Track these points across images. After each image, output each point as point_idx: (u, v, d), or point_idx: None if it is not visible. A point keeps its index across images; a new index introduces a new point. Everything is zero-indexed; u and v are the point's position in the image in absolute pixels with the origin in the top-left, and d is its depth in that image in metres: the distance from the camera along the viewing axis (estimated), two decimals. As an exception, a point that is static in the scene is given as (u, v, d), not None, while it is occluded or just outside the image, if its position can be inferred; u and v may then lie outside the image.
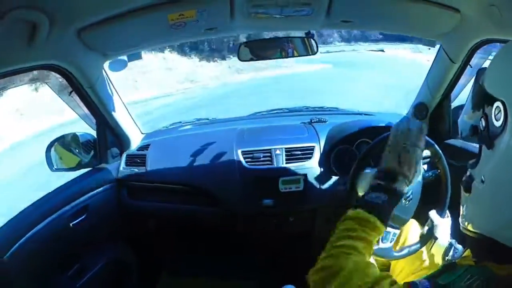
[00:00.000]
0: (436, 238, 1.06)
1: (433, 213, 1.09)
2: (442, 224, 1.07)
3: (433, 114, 1.58)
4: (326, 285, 0.63)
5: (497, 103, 0.57)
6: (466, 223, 0.65)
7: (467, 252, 0.69)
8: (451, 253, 0.98)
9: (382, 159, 0.85)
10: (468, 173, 0.65)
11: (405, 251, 1.09)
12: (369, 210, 0.75)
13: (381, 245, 1.04)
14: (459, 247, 0.97)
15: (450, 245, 0.99)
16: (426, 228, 1.10)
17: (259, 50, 1.38)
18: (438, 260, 1.08)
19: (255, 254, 1.77)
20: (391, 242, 1.05)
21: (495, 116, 0.57)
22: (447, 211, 1.11)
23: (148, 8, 1.08)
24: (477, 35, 1.22)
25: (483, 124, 0.60)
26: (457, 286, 0.56)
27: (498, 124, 0.57)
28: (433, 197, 1.10)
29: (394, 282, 0.60)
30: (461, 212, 0.68)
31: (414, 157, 0.83)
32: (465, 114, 0.67)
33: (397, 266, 1.22)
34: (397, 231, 1.05)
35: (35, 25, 0.89)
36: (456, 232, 1.00)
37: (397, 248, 1.11)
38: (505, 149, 0.55)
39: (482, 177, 0.60)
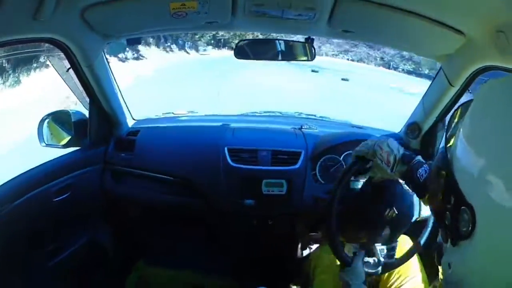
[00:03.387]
0: None
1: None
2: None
3: (425, 135, 1.56)
4: None
5: (463, 207, 0.48)
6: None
7: None
8: None
9: None
10: (438, 244, 0.60)
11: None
12: None
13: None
14: None
15: None
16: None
17: (257, 49, 1.38)
18: None
19: (232, 251, 1.76)
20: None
21: (462, 220, 0.49)
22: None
23: None
24: (480, 60, 1.19)
25: (449, 219, 0.52)
26: None
27: (463, 229, 0.48)
28: None
29: None
30: None
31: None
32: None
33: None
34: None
35: None
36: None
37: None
38: (467, 254, 0.49)
39: (449, 263, 0.54)
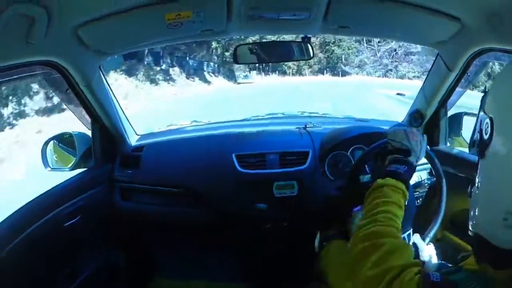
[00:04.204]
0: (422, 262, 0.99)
1: (416, 238, 1.03)
2: (426, 249, 1.00)
3: (428, 122, 1.57)
4: (365, 258, 0.69)
5: (487, 119, 0.63)
6: (469, 224, 0.69)
7: (471, 259, 0.69)
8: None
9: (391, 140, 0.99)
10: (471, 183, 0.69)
11: None
12: (396, 177, 0.86)
13: None
14: None
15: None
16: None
17: (255, 53, 1.37)
18: None
19: (248, 258, 1.75)
20: None
21: (485, 130, 0.63)
22: (430, 236, 1.07)
23: (146, 7, 1.08)
24: (476, 44, 1.20)
25: (478, 136, 0.66)
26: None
27: (486, 137, 0.62)
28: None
29: (419, 272, 0.64)
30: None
31: (419, 134, 1.00)
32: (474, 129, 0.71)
33: None
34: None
35: (34, 20, 0.89)
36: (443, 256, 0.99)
37: None
38: (490, 158, 0.61)
39: (477, 183, 0.65)
